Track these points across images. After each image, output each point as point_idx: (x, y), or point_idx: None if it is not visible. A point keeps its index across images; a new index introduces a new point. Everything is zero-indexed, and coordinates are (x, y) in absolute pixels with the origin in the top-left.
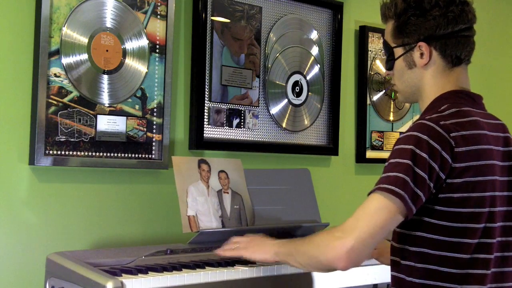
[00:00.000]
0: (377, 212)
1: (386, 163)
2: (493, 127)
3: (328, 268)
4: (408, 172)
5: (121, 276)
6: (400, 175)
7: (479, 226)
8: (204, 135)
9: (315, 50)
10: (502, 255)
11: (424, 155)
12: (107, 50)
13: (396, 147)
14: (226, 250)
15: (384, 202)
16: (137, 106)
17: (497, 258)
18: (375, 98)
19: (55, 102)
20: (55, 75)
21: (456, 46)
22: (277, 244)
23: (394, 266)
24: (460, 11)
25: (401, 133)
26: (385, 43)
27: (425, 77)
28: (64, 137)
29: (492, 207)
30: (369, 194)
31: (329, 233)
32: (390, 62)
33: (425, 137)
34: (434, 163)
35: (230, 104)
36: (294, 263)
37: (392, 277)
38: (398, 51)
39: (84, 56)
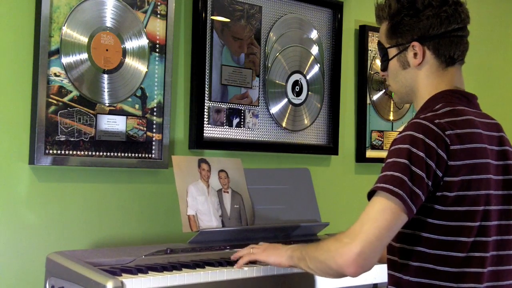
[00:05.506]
0: (380, 213)
1: (383, 164)
2: (487, 126)
3: (338, 274)
4: (405, 171)
5: (121, 275)
6: (397, 174)
7: (474, 224)
8: (204, 134)
9: (315, 50)
10: (498, 253)
11: (421, 153)
12: (107, 50)
13: (392, 147)
14: (243, 255)
15: (386, 203)
16: (137, 106)
17: (493, 257)
18: (375, 97)
19: (55, 102)
20: (55, 75)
21: (449, 46)
22: (291, 249)
23: (391, 265)
24: (453, 11)
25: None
26: (380, 44)
27: (419, 77)
28: (64, 136)
29: (487, 205)
30: (368, 194)
31: (337, 239)
32: (384, 63)
33: (420, 135)
34: (431, 161)
35: (230, 103)
36: (306, 268)
37: (389, 276)
38: (392, 52)
39: (84, 56)
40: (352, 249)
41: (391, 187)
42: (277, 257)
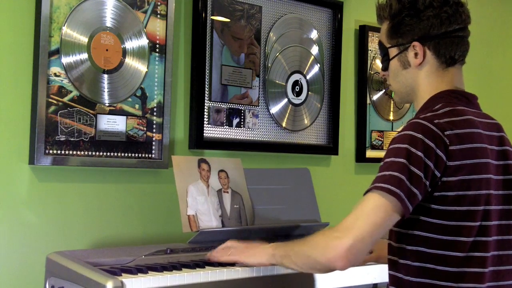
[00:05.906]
0: (374, 210)
1: (381, 163)
2: (487, 126)
3: (326, 268)
4: (404, 170)
5: (121, 275)
6: (396, 173)
7: (474, 224)
8: (204, 134)
9: (315, 50)
10: (498, 253)
11: (419, 153)
12: (107, 50)
13: (391, 146)
14: (220, 255)
15: (381, 201)
16: (137, 106)
17: (494, 257)
18: (375, 97)
19: (55, 102)
20: (55, 75)
21: (450, 46)
22: (272, 246)
23: (392, 265)
24: (454, 11)
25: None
26: (380, 44)
27: (420, 77)
28: (64, 136)
29: (487, 205)
30: (365, 193)
31: (327, 233)
32: (385, 63)
33: (419, 135)
34: (429, 161)
35: (230, 103)
36: (290, 264)
37: (390, 276)
38: (393, 52)
39: (84, 56)
40: (344, 243)
41: (389, 186)
42: (257, 257)
